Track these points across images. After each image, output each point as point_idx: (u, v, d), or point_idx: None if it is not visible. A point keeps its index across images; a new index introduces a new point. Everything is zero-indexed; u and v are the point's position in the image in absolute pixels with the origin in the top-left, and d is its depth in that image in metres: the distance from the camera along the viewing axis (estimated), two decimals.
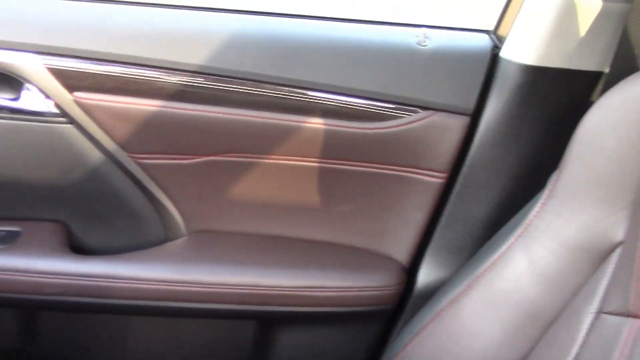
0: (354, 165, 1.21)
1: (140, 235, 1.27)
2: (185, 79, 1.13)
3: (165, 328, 1.32)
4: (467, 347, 1.01)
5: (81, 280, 1.16)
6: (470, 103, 1.16)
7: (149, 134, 1.16)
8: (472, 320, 1.02)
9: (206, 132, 1.16)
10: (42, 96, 1.13)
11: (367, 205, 1.25)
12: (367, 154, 1.20)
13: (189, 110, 1.15)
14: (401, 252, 1.26)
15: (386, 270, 1.25)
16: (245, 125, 1.16)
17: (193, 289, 1.19)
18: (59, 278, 1.16)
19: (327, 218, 1.26)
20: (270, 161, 1.20)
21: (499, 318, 0.99)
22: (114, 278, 1.16)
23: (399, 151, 1.19)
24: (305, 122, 1.16)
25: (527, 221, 0.98)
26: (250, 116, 1.16)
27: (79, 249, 1.24)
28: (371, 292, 1.22)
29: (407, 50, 1.18)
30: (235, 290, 1.20)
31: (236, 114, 1.15)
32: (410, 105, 1.16)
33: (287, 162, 1.21)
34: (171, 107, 1.14)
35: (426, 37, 1.18)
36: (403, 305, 1.27)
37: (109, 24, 1.16)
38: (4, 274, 1.15)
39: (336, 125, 1.17)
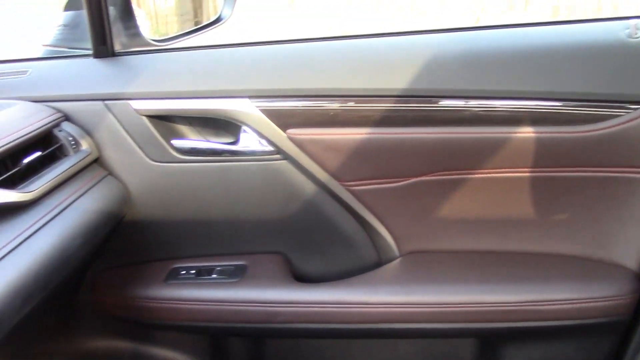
0: (570, 172, 1.16)
1: (354, 260, 1.30)
2: (389, 104, 1.15)
3: (384, 350, 1.34)
4: None
5: (309, 307, 1.21)
6: None
7: (359, 162, 1.19)
8: None
9: (414, 153, 1.18)
10: (258, 136, 1.20)
11: (587, 212, 1.19)
12: (583, 158, 1.14)
13: (396, 133, 1.16)
14: (632, 258, 1.18)
15: (617, 278, 1.17)
16: (453, 142, 1.16)
17: (414, 309, 1.19)
18: (289, 306, 1.21)
19: (544, 229, 1.22)
20: (481, 176, 1.19)
21: None
22: (339, 303, 1.20)
23: (619, 152, 1.12)
24: (514, 133, 1.14)
25: None
26: (458, 133, 1.15)
27: (298, 277, 1.30)
28: (602, 303, 1.16)
29: (617, 45, 1.12)
30: (456, 309, 1.19)
31: (443, 132, 1.15)
32: (628, 102, 1.10)
33: (499, 175, 1.18)
34: (378, 133, 1.17)
35: (637, 28, 1.11)
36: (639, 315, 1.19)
37: (310, 61, 1.21)
38: (237, 306, 1.23)
39: (548, 132, 1.13)
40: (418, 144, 1.17)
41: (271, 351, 1.36)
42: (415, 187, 1.21)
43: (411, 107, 1.15)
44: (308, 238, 1.30)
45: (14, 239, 0.92)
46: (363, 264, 1.30)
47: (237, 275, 1.27)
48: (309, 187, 1.23)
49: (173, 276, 1.29)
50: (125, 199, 1.23)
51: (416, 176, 1.20)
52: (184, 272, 1.30)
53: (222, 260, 1.31)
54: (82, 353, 1.37)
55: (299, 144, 1.19)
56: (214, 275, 1.28)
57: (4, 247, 0.89)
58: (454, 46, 1.19)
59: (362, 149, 1.18)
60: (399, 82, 1.15)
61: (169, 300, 1.26)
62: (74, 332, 1.37)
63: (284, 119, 1.18)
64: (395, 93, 1.15)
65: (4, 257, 0.88)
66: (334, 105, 1.17)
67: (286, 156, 1.21)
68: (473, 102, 1.14)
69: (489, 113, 1.14)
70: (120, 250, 1.32)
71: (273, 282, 1.25)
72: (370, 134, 1.17)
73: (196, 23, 1.82)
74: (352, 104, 1.16)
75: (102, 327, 1.37)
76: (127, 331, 1.38)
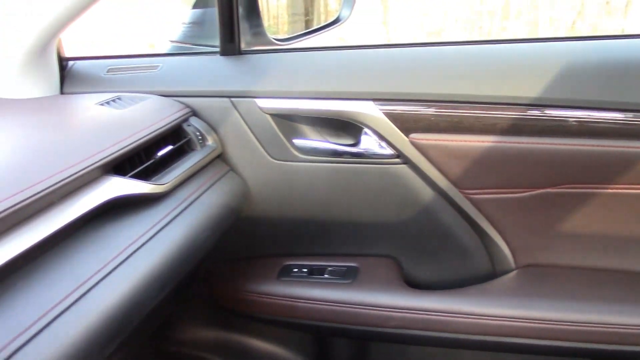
0: None
1: (467, 269, 1.28)
2: (516, 112, 1.12)
3: None
4: None
5: (423, 314, 1.19)
6: None
7: (481, 170, 1.17)
8: None
9: (541, 164, 1.14)
10: (379, 139, 1.20)
11: None
12: None
13: (522, 143, 1.13)
14: None
15: None
16: (583, 155, 1.11)
17: (530, 324, 1.16)
18: (402, 312, 1.21)
19: None
20: (607, 191, 1.14)
21: None
22: (454, 313, 1.18)
23: None
24: None
25: None
26: (587, 145, 1.11)
27: (408, 283, 1.29)
28: None
29: None
30: (572, 327, 1.14)
31: (571, 144, 1.11)
32: None
33: (626, 191, 1.13)
34: (504, 142, 1.14)
35: None
36: None
37: (436, 66, 1.20)
38: (350, 307, 1.24)
39: None
40: (545, 155, 1.13)
41: (376, 355, 1.36)
42: (538, 199, 1.18)
43: (539, 117, 1.12)
44: (421, 244, 1.29)
45: (150, 229, 0.95)
46: (476, 274, 1.28)
47: (349, 276, 1.28)
48: (427, 192, 1.22)
49: (285, 273, 1.31)
50: (246, 194, 1.26)
51: (540, 188, 1.17)
52: (296, 269, 1.31)
53: (334, 261, 1.32)
54: (192, 341, 1.41)
55: (421, 149, 1.18)
56: (326, 275, 1.29)
57: (141, 236, 0.92)
58: (587, 55, 1.14)
59: (486, 157, 1.16)
60: (528, 90, 1.11)
61: (281, 297, 1.28)
62: (185, 321, 1.41)
63: (407, 123, 1.17)
64: (523, 102, 1.12)
65: (142, 245, 0.91)
66: (460, 111, 1.15)
67: (407, 160, 1.20)
68: (605, 114, 1.10)
69: (622, 126, 1.09)
70: (234, 244, 1.35)
71: (386, 286, 1.24)
72: (495, 142, 1.14)
73: (307, 22, 1.83)
74: (478, 111, 1.14)
75: (212, 318, 1.41)
76: (235, 324, 1.41)
